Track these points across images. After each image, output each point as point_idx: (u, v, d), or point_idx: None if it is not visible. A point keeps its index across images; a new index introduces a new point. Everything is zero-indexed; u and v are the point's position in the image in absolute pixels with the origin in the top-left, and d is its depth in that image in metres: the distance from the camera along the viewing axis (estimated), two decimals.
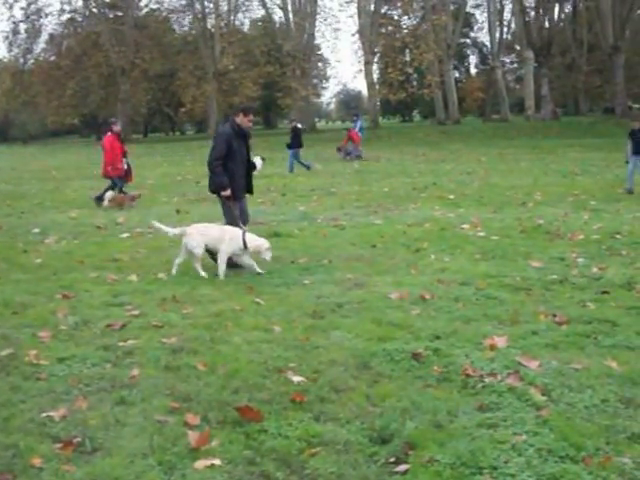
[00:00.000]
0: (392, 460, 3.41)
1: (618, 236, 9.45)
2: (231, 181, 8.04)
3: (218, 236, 7.61)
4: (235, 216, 8.01)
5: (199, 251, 7.61)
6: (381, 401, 4.07)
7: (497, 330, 5.38)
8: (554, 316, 5.70)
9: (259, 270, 7.64)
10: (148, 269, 7.99)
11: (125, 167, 15.04)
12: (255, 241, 7.61)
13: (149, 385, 4.35)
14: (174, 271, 7.63)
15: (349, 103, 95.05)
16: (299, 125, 23.37)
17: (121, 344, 5.19)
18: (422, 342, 5.09)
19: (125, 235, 10.63)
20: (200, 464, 3.36)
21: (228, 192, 8.01)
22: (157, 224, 8.09)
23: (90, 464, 3.40)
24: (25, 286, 7.20)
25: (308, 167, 22.92)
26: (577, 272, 7.40)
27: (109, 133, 14.94)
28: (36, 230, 11.14)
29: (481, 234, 10.03)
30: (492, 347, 4.93)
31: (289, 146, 23.06)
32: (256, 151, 30.50)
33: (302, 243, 9.63)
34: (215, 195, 8.39)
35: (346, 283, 7.13)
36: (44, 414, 3.92)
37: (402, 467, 3.34)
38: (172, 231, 7.91)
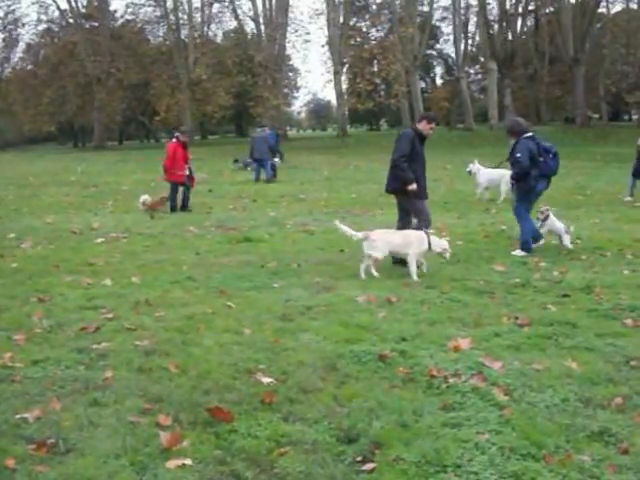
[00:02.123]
0: (359, 459, 3.47)
1: (578, 241, 9.69)
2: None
3: (402, 242, 7.73)
4: (420, 210, 8.27)
5: (379, 255, 7.71)
6: (348, 401, 4.13)
7: (461, 332, 5.50)
8: (516, 318, 5.84)
9: (416, 278, 7.65)
10: (122, 273, 7.99)
11: (187, 173, 14.76)
12: (439, 242, 7.80)
13: (122, 387, 4.37)
14: (363, 275, 7.68)
15: (319, 112, 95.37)
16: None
17: (95, 347, 5.19)
18: (388, 344, 5.18)
19: (100, 240, 10.56)
20: (171, 464, 3.39)
21: (414, 186, 8.17)
22: (342, 226, 8.12)
23: (63, 465, 3.41)
24: (1, 290, 7.15)
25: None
26: (539, 276, 7.60)
27: (174, 140, 14.76)
28: (12, 235, 11.03)
29: (446, 239, 10.18)
30: (456, 349, 5.03)
31: None
32: (226, 158, 30.56)
33: (272, 248, 9.69)
34: (394, 195, 8.54)
35: (314, 287, 7.21)
36: (18, 416, 3.92)
37: (369, 466, 3.40)
38: (356, 234, 7.95)
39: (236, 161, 28.58)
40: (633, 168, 15.36)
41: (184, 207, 14.61)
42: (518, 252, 9.01)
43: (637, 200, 14.58)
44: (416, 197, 8.33)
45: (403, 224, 8.64)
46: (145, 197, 14.70)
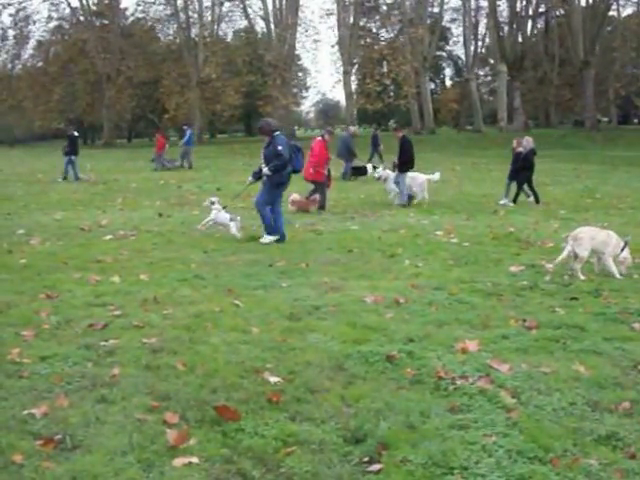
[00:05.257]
0: (366, 460, 3.46)
1: None
2: None
3: (604, 240, 7.78)
4: None
5: (585, 254, 7.73)
6: (355, 402, 4.12)
7: (469, 334, 5.48)
8: (524, 321, 5.82)
9: (619, 276, 7.68)
10: (130, 271, 8.00)
11: (326, 173, 14.71)
12: (626, 252, 7.81)
13: (129, 384, 4.37)
14: (582, 277, 7.59)
15: (328, 112, 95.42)
16: (75, 133, 23.48)
17: (102, 343, 5.20)
18: (396, 345, 5.17)
19: (108, 237, 10.60)
20: (178, 462, 3.39)
21: None
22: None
23: (70, 461, 3.41)
24: (9, 286, 7.18)
25: (77, 176, 22.32)
26: (547, 279, 7.58)
27: (320, 138, 14.74)
28: (21, 231, 11.07)
29: (454, 241, 10.18)
30: (464, 350, 5.02)
31: (65, 153, 22.54)
32: (235, 157, 30.54)
33: (280, 247, 9.69)
34: None
35: (322, 287, 7.19)
36: (26, 411, 3.93)
37: (375, 466, 3.39)
38: (567, 244, 8.01)
39: (152, 160, 28.71)
40: (509, 171, 15.64)
41: (322, 207, 14.18)
42: (265, 239, 9.84)
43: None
44: None
45: None
46: (295, 196, 14.24)
